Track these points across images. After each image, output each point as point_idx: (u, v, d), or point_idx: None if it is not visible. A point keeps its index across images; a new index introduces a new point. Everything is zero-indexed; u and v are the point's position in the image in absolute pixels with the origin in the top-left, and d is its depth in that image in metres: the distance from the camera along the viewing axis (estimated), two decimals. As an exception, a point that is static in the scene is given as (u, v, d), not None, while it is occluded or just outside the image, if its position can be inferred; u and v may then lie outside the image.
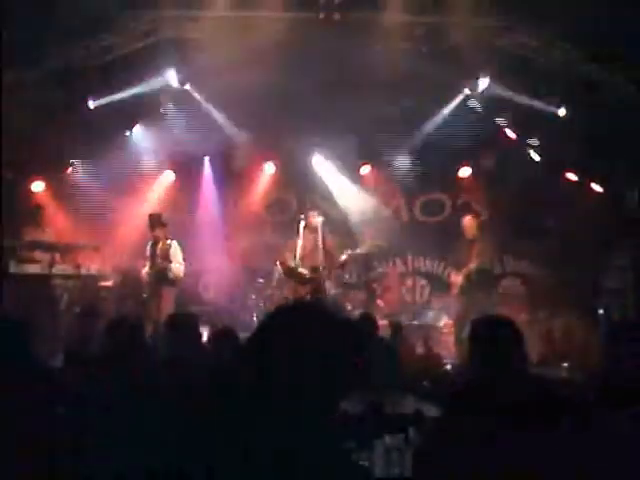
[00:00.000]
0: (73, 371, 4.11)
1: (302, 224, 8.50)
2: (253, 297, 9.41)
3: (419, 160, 10.07)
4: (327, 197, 10.19)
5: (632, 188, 8.86)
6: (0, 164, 7.30)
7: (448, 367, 6.90)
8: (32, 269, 8.12)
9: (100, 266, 8.82)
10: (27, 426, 2.63)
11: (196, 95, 9.26)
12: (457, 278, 8.36)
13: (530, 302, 9.68)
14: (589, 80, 8.07)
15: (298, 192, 10.43)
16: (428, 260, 10.41)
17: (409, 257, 10.45)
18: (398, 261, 10.41)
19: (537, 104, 8.82)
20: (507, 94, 8.95)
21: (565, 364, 7.75)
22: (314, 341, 1.53)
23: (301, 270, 8.24)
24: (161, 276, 7.97)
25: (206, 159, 10.23)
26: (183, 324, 4.07)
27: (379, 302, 9.52)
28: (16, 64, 7.27)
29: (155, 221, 8.20)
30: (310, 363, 1.51)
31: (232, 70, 8.17)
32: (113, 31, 8.13)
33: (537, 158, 9.44)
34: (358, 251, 8.92)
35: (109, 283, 8.99)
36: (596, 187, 9.24)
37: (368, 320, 5.37)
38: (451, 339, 8.55)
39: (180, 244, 8.30)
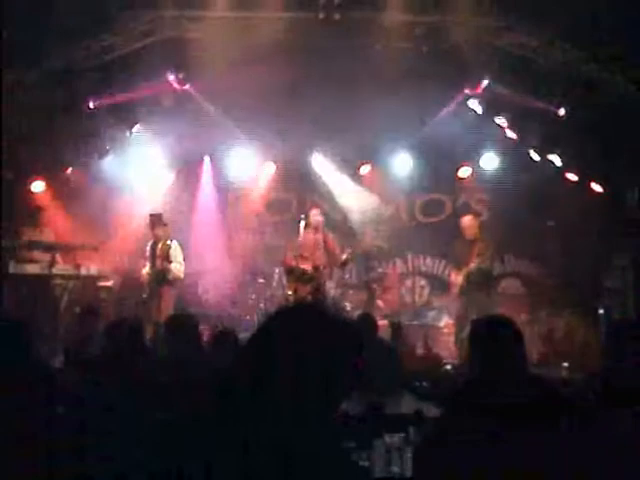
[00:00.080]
0: (73, 371, 4.11)
1: (302, 223, 8.52)
2: (253, 297, 9.41)
3: (419, 160, 10.07)
4: (327, 197, 10.20)
5: (632, 188, 8.85)
6: (0, 164, 7.30)
7: (448, 367, 6.90)
8: (32, 269, 8.13)
9: (100, 266, 8.83)
10: (27, 426, 2.64)
11: (196, 95, 9.26)
12: (457, 278, 8.37)
13: (530, 302, 9.69)
14: (589, 80, 8.06)
15: (298, 192, 10.44)
16: (428, 260, 10.41)
17: (409, 257, 10.45)
18: (398, 261, 10.41)
19: (537, 104, 8.81)
20: (507, 94, 8.94)
21: (565, 364, 7.75)
22: (314, 342, 1.53)
23: (302, 270, 8.25)
24: (161, 276, 7.98)
25: (206, 159, 10.24)
26: (183, 325, 4.07)
27: (379, 302, 9.53)
28: (16, 64, 7.27)
29: (155, 221, 8.20)
30: (310, 364, 1.51)
31: (232, 70, 8.16)
32: (113, 31, 8.13)
33: (537, 158, 9.44)
34: (359, 250, 8.92)
35: (109, 283, 9.00)
36: (596, 187, 9.24)
37: (368, 320, 5.36)
38: (451, 339, 8.55)
39: (180, 244, 8.31)
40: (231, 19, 8.04)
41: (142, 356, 3.54)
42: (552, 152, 9.24)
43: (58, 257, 8.39)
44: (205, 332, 6.14)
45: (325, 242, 8.43)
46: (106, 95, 8.75)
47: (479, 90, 9.10)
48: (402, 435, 2.91)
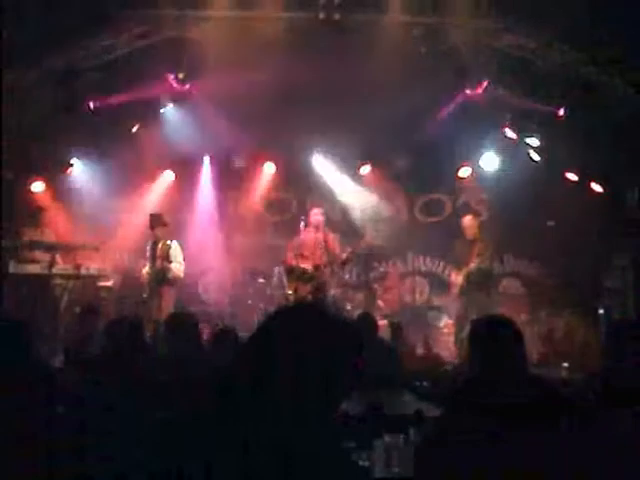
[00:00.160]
0: (73, 371, 4.11)
1: (303, 223, 8.52)
2: (253, 297, 9.40)
3: (419, 160, 10.07)
4: (327, 197, 10.19)
5: (632, 188, 8.85)
6: (0, 164, 7.30)
7: (448, 367, 6.90)
8: (32, 269, 8.13)
9: (100, 266, 8.83)
10: (27, 426, 2.64)
11: (196, 95, 9.25)
12: (457, 278, 8.38)
13: (530, 302, 9.69)
14: (588, 81, 8.06)
15: (298, 192, 10.44)
16: (428, 260, 10.41)
17: (409, 257, 10.45)
18: (398, 261, 10.41)
19: (536, 104, 8.82)
20: (506, 94, 8.95)
21: (565, 364, 7.75)
22: (314, 342, 1.53)
23: (303, 269, 8.25)
24: (161, 276, 7.98)
25: (206, 159, 10.24)
26: (183, 324, 4.07)
27: (379, 302, 9.53)
28: (16, 64, 7.26)
29: (156, 221, 8.21)
30: (310, 364, 1.51)
31: (232, 70, 8.16)
32: (113, 31, 8.12)
33: (537, 158, 9.44)
34: (359, 250, 8.92)
35: (109, 283, 8.99)
36: (596, 187, 9.24)
37: (368, 320, 5.36)
38: (451, 339, 8.56)
39: (180, 244, 8.31)
40: (231, 19, 8.04)
41: (142, 355, 3.54)
42: (552, 152, 9.24)
43: (58, 257, 8.39)
44: (205, 331, 6.15)
45: (325, 241, 8.44)
46: (106, 95, 8.75)
47: (479, 91, 9.10)
48: (402, 435, 2.91)
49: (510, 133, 9.44)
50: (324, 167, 10.27)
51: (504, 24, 8.14)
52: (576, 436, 2.26)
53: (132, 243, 9.41)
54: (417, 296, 10.27)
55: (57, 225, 9.21)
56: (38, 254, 8.34)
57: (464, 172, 10.21)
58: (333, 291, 8.58)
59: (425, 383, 4.83)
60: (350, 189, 10.35)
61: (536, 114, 8.96)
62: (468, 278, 8.20)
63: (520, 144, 9.46)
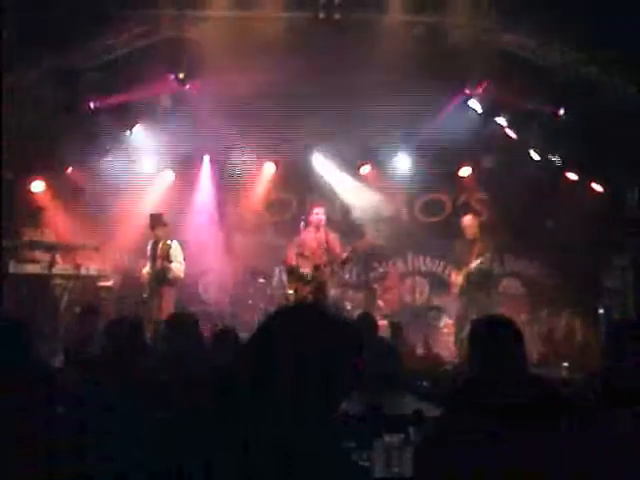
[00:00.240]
0: (73, 371, 4.11)
1: (303, 223, 8.53)
2: (253, 297, 9.40)
3: (419, 160, 10.07)
4: (327, 196, 10.19)
5: (632, 188, 8.86)
6: (0, 164, 7.30)
7: (448, 367, 6.90)
8: (32, 269, 8.13)
9: (100, 266, 8.83)
10: (27, 426, 2.64)
11: (196, 95, 9.26)
12: (457, 278, 8.38)
13: (530, 302, 9.69)
14: (588, 81, 8.07)
15: (298, 192, 10.44)
16: (428, 260, 10.40)
17: (409, 257, 10.45)
18: (398, 261, 10.41)
19: (537, 104, 8.82)
20: (507, 94, 8.95)
21: (565, 364, 7.75)
22: (314, 342, 1.53)
23: (303, 269, 8.26)
24: (161, 276, 7.98)
25: (206, 159, 10.23)
26: (183, 324, 4.07)
27: (379, 302, 9.52)
28: (16, 64, 7.26)
29: (156, 221, 8.21)
30: (310, 364, 1.51)
31: (232, 70, 8.16)
32: (113, 31, 8.13)
33: (537, 158, 9.44)
34: (359, 250, 8.92)
35: (109, 283, 9.00)
36: (596, 187, 9.24)
37: (368, 320, 5.37)
38: (451, 339, 8.56)
39: (180, 244, 8.31)
40: (231, 19, 8.04)
41: (142, 355, 3.55)
42: (552, 152, 9.24)
43: (58, 257, 8.39)
44: (205, 331, 6.14)
45: (326, 241, 8.45)
46: (106, 95, 8.75)
47: (479, 90, 9.11)
48: (402, 435, 2.91)
49: (510, 133, 9.44)
50: (324, 167, 10.27)
51: (504, 24, 8.15)
52: (576, 436, 2.26)
53: (132, 243, 9.41)
54: (417, 296, 10.27)
55: (57, 225, 9.21)
56: (38, 254, 8.34)
57: (464, 172, 10.20)
58: (333, 291, 8.58)
59: (425, 383, 4.83)
60: (350, 189, 10.35)
61: (536, 114, 8.96)
62: (468, 278, 8.20)
63: (520, 144, 9.46)
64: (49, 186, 9.43)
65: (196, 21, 8.15)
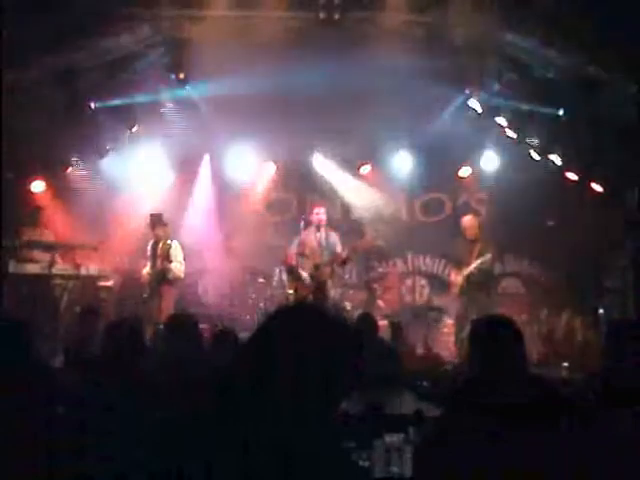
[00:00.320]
0: (73, 371, 4.11)
1: (303, 222, 8.53)
2: (253, 297, 9.41)
3: (419, 160, 10.07)
4: (327, 196, 10.20)
5: (632, 188, 8.85)
6: (0, 164, 7.30)
7: (448, 367, 6.90)
8: (32, 269, 8.13)
9: (100, 266, 8.83)
10: (27, 426, 2.63)
11: (196, 95, 9.26)
12: (457, 278, 8.38)
13: (530, 302, 9.69)
14: (588, 81, 8.06)
15: (298, 192, 10.45)
16: (428, 260, 10.41)
17: (409, 257, 10.46)
18: (398, 261, 10.42)
19: (537, 104, 8.82)
20: (507, 94, 8.95)
21: (565, 364, 7.75)
22: (314, 342, 1.53)
23: (303, 269, 8.26)
24: (161, 276, 7.99)
25: (206, 159, 10.24)
26: (183, 325, 4.07)
27: (379, 302, 9.53)
28: (16, 64, 7.26)
29: (156, 221, 8.21)
30: (310, 364, 1.51)
31: (232, 69, 8.16)
32: (113, 31, 8.12)
33: (537, 158, 9.44)
34: (359, 249, 8.92)
35: (109, 283, 9.00)
36: (596, 187, 9.24)
37: (368, 320, 5.37)
38: (451, 339, 8.56)
39: (180, 244, 8.32)
40: (231, 19, 8.03)
41: (142, 356, 3.54)
42: (552, 152, 9.25)
43: (58, 257, 8.39)
44: (205, 331, 6.14)
45: (327, 240, 8.45)
46: (106, 95, 8.75)
47: (479, 90, 9.10)
48: (402, 435, 2.91)
49: (510, 133, 9.44)
50: (324, 167, 10.27)
51: (505, 23, 8.14)
52: (576, 436, 2.26)
53: (132, 243, 9.42)
54: (417, 296, 10.28)
55: (57, 225, 9.22)
56: (38, 254, 8.35)
57: (464, 172, 10.21)
58: (333, 291, 8.58)
59: (425, 383, 4.83)
60: (350, 189, 10.36)
61: (536, 114, 8.96)
62: (468, 278, 8.20)
63: (520, 144, 9.47)
64: (49, 186, 9.43)
65: (196, 21, 8.14)
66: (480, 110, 9.23)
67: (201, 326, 4.54)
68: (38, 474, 2.56)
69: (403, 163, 10.18)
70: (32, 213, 8.97)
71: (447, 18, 8.08)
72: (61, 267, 8.33)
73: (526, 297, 9.97)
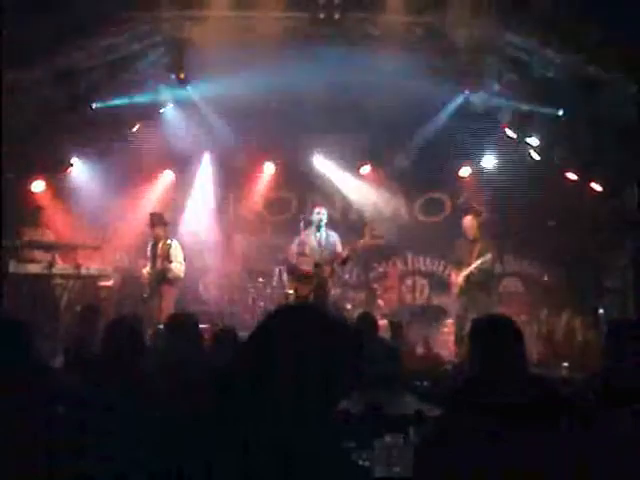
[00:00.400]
0: (73, 371, 4.11)
1: (303, 222, 8.53)
2: (253, 297, 9.41)
3: (419, 160, 10.07)
4: (327, 196, 10.20)
5: (632, 188, 8.85)
6: (0, 164, 7.30)
7: (448, 367, 6.90)
8: (32, 269, 8.12)
9: (100, 266, 8.83)
10: (27, 426, 2.63)
11: (196, 95, 9.26)
12: (457, 278, 8.37)
13: (530, 302, 9.68)
14: (588, 81, 8.06)
15: (298, 192, 10.45)
16: (428, 260, 10.41)
17: (409, 257, 10.45)
18: (398, 261, 10.42)
19: (537, 104, 8.83)
20: (507, 94, 8.96)
21: (565, 364, 7.75)
22: (314, 341, 1.53)
23: (304, 268, 8.26)
24: (161, 276, 7.98)
25: (206, 159, 10.24)
26: (183, 324, 4.07)
27: (379, 302, 9.53)
28: (16, 64, 7.26)
29: (156, 220, 8.21)
30: (310, 363, 1.51)
31: (232, 69, 8.17)
32: (113, 31, 8.12)
33: (537, 158, 9.44)
34: (359, 249, 8.92)
35: (109, 283, 8.99)
36: (596, 186, 9.24)
37: (368, 319, 5.37)
38: (451, 339, 8.56)
39: (181, 243, 8.32)
40: (231, 19, 8.04)
41: (142, 356, 3.54)
42: (552, 152, 9.25)
43: (58, 257, 8.39)
44: (205, 331, 6.14)
45: (327, 240, 8.45)
46: (106, 95, 8.75)
47: (479, 90, 9.11)
48: (402, 435, 2.91)
49: (510, 133, 9.44)
50: (324, 167, 10.27)
51: (504, 24, 8.14)
52: (576, 436, 2.26)
53: (132, 243, 9.42)
54: (417, 296, 10.27)
55: (57, 225, 9.22)
56: (38, 254, 8.34)
57: (464, 172, 10.21)
58: (333, 291, 8.58)
59: (425, 383, 4.83)
60: (350, 189, 10.36)
61: (536, 114, 8.96)
62: (468, 278, 8.20)
63: (520, 144, 9.47)
64: (49, 186, 9.44)
65: (196, 21, 8.14)
66: (480, 110, 9.23)
67: (201, 326, 4.54)
68: (38, 474, 2.56)
69: (403, 163, 10.18)
70: (32, 213, 8.96)
71: (447, 18, 8.09)
72: (61, 267, 8.32)
73: (526, 297, 9.96)
